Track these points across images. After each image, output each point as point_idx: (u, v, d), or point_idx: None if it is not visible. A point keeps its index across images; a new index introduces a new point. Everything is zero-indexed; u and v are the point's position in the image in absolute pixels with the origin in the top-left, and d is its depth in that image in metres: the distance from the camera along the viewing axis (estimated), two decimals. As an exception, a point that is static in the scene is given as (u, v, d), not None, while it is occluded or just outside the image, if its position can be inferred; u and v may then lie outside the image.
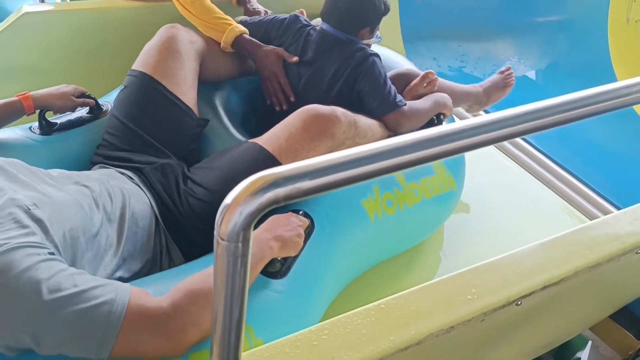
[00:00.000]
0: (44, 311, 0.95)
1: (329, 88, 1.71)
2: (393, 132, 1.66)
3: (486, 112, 2.56)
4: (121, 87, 1.66)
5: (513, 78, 2.06)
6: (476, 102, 2.04)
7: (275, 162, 1.40)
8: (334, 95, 1.70)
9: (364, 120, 1.56)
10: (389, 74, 1.77)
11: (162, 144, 1.57)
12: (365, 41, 1.78)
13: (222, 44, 1.77)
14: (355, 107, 1.63)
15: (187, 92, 1.65)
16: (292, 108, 1.59)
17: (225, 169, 1.43)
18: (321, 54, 1.74)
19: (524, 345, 1.51)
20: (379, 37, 1.86)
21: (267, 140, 1.45)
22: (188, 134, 1.64)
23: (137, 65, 1.65)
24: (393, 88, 1.69)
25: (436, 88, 1.83)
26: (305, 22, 1.84)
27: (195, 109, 1.67)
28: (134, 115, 1.58)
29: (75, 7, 2.07)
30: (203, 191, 1.41)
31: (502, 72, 2.07)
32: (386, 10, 1.80)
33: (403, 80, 1.84)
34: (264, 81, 1.78)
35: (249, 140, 1.51)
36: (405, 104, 1.67)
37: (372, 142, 1.60)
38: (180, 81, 1.64)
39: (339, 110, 1.47)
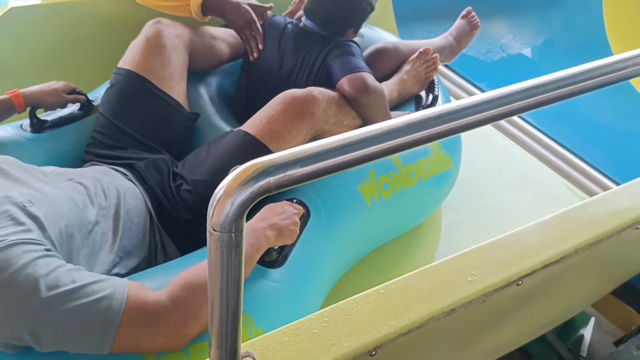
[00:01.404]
0: (42, 308, 0.94)
1: (308, 79, 1.69)
2: (351, 99, 1.55)
3: (480, 88, 2.54)
4: (107, 84, 1.64)
5: (477, 19, 2.04)
6: (450, 51, 2.02)
7: (259, 145, 1.41)
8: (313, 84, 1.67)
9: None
10: (379, 46, 1.77)
11: (152, 141, 1.56)
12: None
13: (194, 16, 1.74)
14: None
15: (175, 88, 1.64)
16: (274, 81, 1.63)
17: (214, 158, 1.43)
18: (301, 49, 1.72)
19: (526, 325, 1.51)
20: (362, 35, 1.85)
21: (250, 125, 1.46)
22: (178, 130, 1.64)
23: (123, 63, 1.63)
24: (362, 62, 1.63)
25: (438, 69, 1.81)
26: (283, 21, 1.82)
27: (185, 104, 1.66)
28: (122, 113, 1.57)
29: (63, 0, 2.04)
30: (194, 183, 1.40)
31: (465, 17, 2.04)
32: (371, 9, 1.77)
33: (395, 56, 1.82)
34: (239, 32, 1.77)
35: (234, 130, 1.50)
36: (367, 70, 1.59)
37: (358, 119, 1.59)
38: (168, 77, 1.62)
39: (315, 90, 1.47)
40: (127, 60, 1.62)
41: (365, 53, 1.81)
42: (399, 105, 1.78)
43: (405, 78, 1.76)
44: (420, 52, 1.78)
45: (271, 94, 1.54)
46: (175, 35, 1.67)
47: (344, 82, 1.56)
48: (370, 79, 1.57)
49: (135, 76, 1.59)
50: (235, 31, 1.79)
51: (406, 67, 1.78)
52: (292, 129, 1.42)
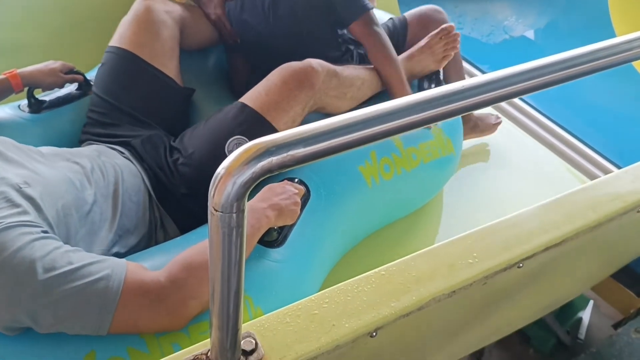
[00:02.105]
0: (40, 290, 0.94)
1: (296, 15, 1.69)
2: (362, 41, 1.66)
3: (482, 71, 2.53)
4: (100, 65, 1.63)
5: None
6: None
7: (258, 117, 1.40)
8: (305, 21, 1.69)
9: (348, 71, 1.56)
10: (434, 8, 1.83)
11: (147, 117, 1.56)
12: None
13: None
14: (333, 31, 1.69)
15: (167, 63, 1.63)
16: (270, 47, 1.69)
17: (211, 130, 1.42)
18: None
19: (526, 307, 1.51)
20: None
21: (249, 97, 1.46)
22: (172, 105, 1.63)
23: (114, 41, 1.62)
24: None
25: (458, 49, 1.78)
26: None
27: (177, 79, 1.65)
28: (115, 91, 1.57)
29: (61, -21, 2.02)
30: (192, 157, 1.40)
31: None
32: None
33: (427, 23, 1.82)
34: (214, 25, 1.79)
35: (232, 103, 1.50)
36: (371, 8, 1.64)
37: (363, 91, 1.62)
38: (159, 52, 1.61)
39: (314, 62, 1.47)
40: (117, 38, 1.61)
41: (413, 13, 1.82)
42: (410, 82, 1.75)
43: (416, 54, 1.74)
44: (442, 27, 1.75)
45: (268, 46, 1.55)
46: (164, 11, 1.66)
47: (356, 28, 1.64)
48: (374, 19, 1.64)
49: (126, 53, 1.58)
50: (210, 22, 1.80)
51: (422, 42, 1.76)
52: (290, 99, 1.42)
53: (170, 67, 1.63)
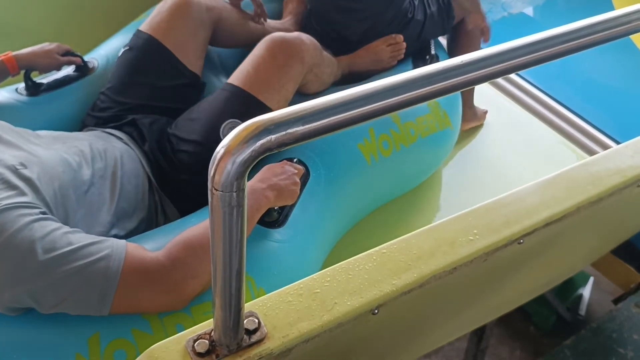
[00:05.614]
0: (40, 271, 0.95)
1: None
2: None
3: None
4: (125, 47, 1.59)
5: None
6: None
7: (248, 97, 1.38)
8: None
9: (325, 52, 1.58)
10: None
11: (162, 111, 1.53)
12: None
13: None
14: None
15: (195, 62, 1.60)
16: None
17: (204, 114, 1.41)
18: None
19: (527, 284, 1.52)
20: None
21: (237, 77, 1.43)
22: (193, 101, 1.60)
23: (147, 27, 1.57)
24: None
25: (402, 57, 1.79)
26: None
27: (200, 74, 1.63)
28: (137, 79, 1.54)
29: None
30: (187, 142, 1.39)
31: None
32: None
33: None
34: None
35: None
36: None
37: (333, 75, 1.63)
38: (190, 52, 1.58)
39: (304, 35, 1.45)
40: (152, 26, 1.56)
41: None
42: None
43: (360, 53, 1.75)
44: (390, 36, 1.75)
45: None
46: (205, 8, 1.60)
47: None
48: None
49: (157, 44, 1.54)
50: None
51: (374, 43, 1.76)
52: (281, 76, 1.39)
53: (196, 65, 1.60)
